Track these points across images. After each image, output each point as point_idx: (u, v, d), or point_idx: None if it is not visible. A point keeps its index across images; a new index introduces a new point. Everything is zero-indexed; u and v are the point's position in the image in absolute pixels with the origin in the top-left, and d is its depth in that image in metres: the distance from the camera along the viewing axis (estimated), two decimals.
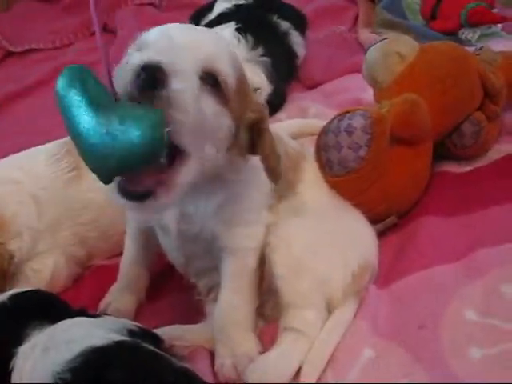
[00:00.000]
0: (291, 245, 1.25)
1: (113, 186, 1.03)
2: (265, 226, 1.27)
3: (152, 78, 0.98)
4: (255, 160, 1.18)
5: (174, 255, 1.35)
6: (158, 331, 1.28)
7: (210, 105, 1.04)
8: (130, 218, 1.40)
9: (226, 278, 1.26)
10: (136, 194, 1.03)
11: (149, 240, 1.38)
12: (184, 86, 0.99)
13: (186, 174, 1.05)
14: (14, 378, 1.07)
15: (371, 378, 1.16)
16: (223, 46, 1.14)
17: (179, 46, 1.04)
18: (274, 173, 1.17)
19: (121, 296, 1.44)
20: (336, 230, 1.32)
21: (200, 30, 1.18)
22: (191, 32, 1.12)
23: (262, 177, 1.21)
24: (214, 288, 1.33)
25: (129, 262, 1.44)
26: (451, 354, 1.15)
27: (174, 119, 0.99)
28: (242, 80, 1.12)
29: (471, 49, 1.73)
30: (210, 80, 1.05)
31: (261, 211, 1.26)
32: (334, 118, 1.47)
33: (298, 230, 1.28)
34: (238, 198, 1.21)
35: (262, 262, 1.27)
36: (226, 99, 1.07)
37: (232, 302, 1.26)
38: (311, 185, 1.38)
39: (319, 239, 1.28)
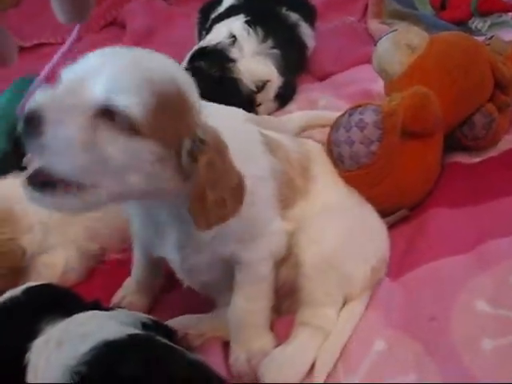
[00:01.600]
0: (322, 245, 1.25)
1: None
2: (278, 235, 1.25)
3: (31, 126, 0.94)
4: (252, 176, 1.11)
5: (185, 281, 1.32)
6: (172, 321, 1.30)
7: (109, 140, 0.96)
8: (134, 236, 1.38)
9: (239, 285, 1.24)
10: (38, 182, 0.98)
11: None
12: (62, 132, 0.94)
13: (95, 196, 0.99)
14: (29, 372, 1.07)
15: (382, 370, 1.16)
16: (133, 70, 1.00)
17: (71, 86, 0.97)
18: (195, 219, 1.06)
19: (135, 291, 1.44)
20: (356, 225, 1.32)
21: (110, 58, 1.02)
22: (96, 67, 1.00)
23: (262, 189, 1.20)
24: None
25: (139, 269, 1.43)
26: (463, 345, 1.15)
27: (52, 166, 0.95)
28: (169, 104, 1.00)
29: (481, 38, 1.72)
30: (110, 114, 0.96)
31: (268, 224, 1.23)
32: (345, 113, 1.47)
33: (326, 228, 1.28)
34: (241, 219, 1.11)
35: (277, 266, 1.26)
36: (138, 131, 0.97)
37: (246, 307, 1.25)
38: (325, 183, 1.37)
39: (344, 236, 1.28)
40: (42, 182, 0.98)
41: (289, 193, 1.28)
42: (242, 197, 1.06)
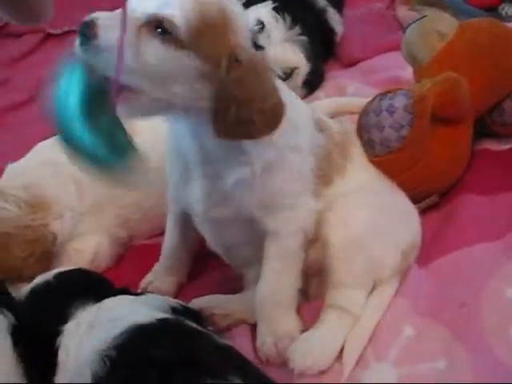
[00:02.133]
0: (350, 225, 1.25)
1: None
2: (308, 211, 1.25)
3: (87, 32, 1.04)
4: (286, 143, 1.18)
5: (212, 244, 1.35)
6: (198, 300, 1.32)
7: (153, 50, 1.05)
8: (169, 200, 1.40)
9: (267, 259, 1.25)
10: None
11: (188, 224, 1.37)
12: (113, 35, 1.02)
13: (137, 99, 1.08)
14: (61, 354, 1.09)
15: (412, 356, 1.16)
16: None
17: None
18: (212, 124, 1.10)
19: (162, 276, 1.46)
20: (387, 209, 1.32)
21: None
22: None
23: (297, 160, 1.21)
24: None
25: (171, 245, 1.45)
26: (492, 332, 1.15)
27: (103, 66, 1.04)
28: (211, 23, 1.07)
29: (511, 25, 1.70)
30: (158, 26, 1.05)
31: (300, 196, 1.24)
32: (375, 98, 1.47)
33: (356, 209, 1.28)
34: (269, 179, 1.19)
35: (307, 246, 1.27)
36: (180, 43, 1.05)
37: (273, 284, 1.25)
38: (361, 166, 1.38)
39: (375, 219, 1.28)
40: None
41: (328, 169, 1.29)
42: (277, 121, 1.10)
